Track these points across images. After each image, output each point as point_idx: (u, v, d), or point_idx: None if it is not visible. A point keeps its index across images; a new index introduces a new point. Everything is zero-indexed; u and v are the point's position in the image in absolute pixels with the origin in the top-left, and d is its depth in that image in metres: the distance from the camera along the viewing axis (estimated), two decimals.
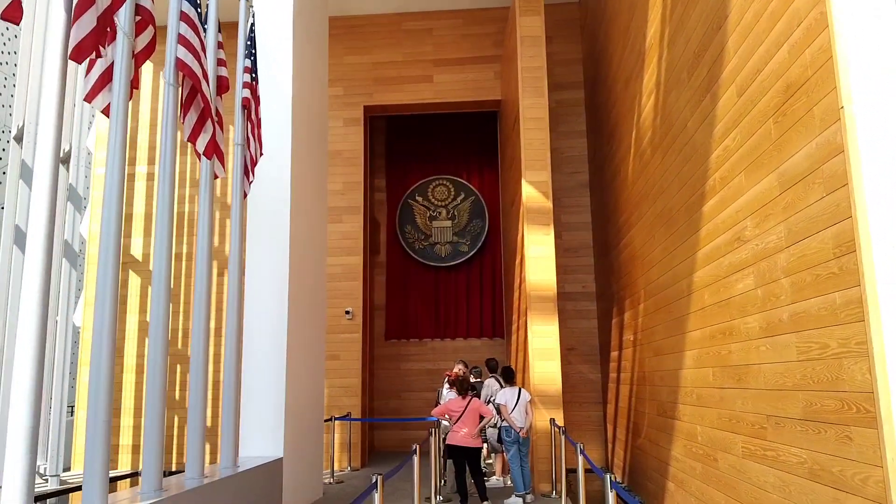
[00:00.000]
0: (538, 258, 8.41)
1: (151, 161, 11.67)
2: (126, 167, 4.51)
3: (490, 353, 12.17)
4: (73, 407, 11.00)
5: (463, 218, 13.06)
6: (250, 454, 6.77)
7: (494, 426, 7.93)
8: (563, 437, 6.63)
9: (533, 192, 8.57)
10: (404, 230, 13.08)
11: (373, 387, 12.53)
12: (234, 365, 6.08)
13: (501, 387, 8.19)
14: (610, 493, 3.16)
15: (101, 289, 3.89)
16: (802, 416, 3.41)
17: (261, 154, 6.54)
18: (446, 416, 7.38)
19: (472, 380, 8.76)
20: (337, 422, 9.72)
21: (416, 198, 13.20)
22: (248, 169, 6.41)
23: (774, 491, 3.69)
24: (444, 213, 13.09)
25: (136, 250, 11.37)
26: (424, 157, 13.35)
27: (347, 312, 10.82)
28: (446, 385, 8.88)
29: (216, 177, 5.74)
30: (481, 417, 7.21)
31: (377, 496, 3.27)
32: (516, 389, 7.46)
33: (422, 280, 13.00)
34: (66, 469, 10.70)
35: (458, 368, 9.10)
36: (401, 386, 12.67)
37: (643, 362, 7.35)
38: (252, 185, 7.14)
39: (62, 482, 9.60)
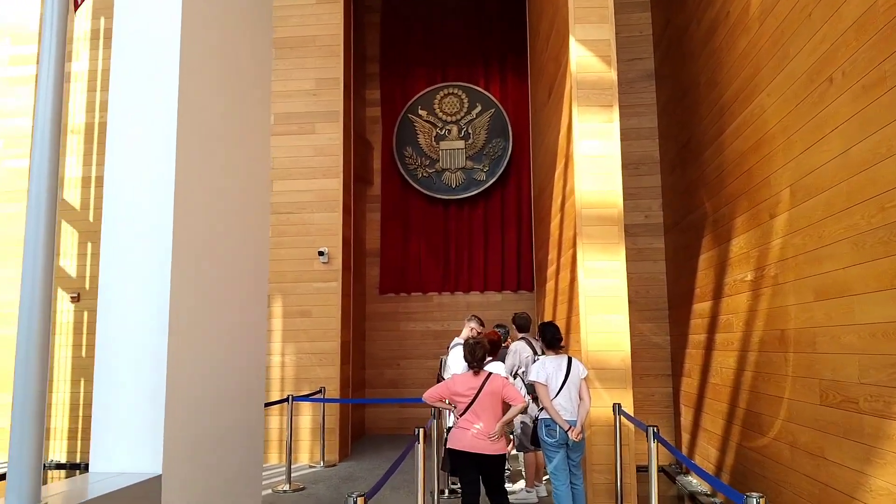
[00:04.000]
0: (596, 158, 5.42)
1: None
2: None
3: (516, 309, 9.27)
4: None
5: (479, 137, 10.03)
6: (111, 469, 3.96)
7: (525, 413, 5.08)
8: (654, 440, 3.70)
9: (587, 58, 5.54)
10: (403, 154, 10.10)
11: (363, 352, 9.72)
12: (37, 322, 3.17)
13: (536, 354, 5.29)
14: None
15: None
16: None
17: None
18: (446, 401, 4.50)
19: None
20: (297, 402, 6.92)
21: (419, 111, 10.18)
22: None
23: None
24: (456, 131, 10.08)
25: None
26: (429, 59, 10.29)
27: (321, 254, 7.94)
28: (455, 350, 5.96)
29: None
30: (506, 406, 4.34)
31: None
32: (563, 359, 4.55)
33: (426, 217, 10.06)
34: None
35: (469, 328, 6.14)
36: (399, 352, 9.87)
37: (780, 314, 4.38)
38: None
39: None
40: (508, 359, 5.42)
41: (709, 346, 6.01)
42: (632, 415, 4.98)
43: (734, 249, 5.26)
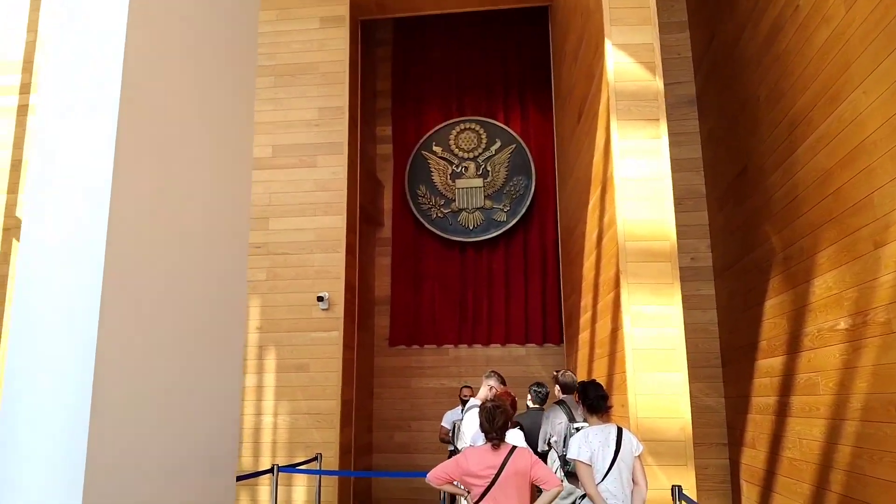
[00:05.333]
0: (641, 181, 4.51)
1: None
2: None
3: (542, 365, 8.26)
4: None
5: (499, 174, 9.20)
6: None
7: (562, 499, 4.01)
8: None
9: (626, 64, 4.69)
10: (416, 193, 9.28)
11: (370, 412, 8.68)
12: None
13: (573, 422, 4.26)
14: None
15: None
16: None
17: None
18: (456, 483, 3.47)
19: (530, 406, 4.89)
20: (284, 474, 5.89)
21: (434, 148, 9.40)
22: None
23: None
24: (473, 168, 9.26)
25: None
26: (445, 93, 9.57)
27: (321, 299, 7.03)
28: (471, 414, 4.88)
29: None
30: (537, 491, 3.31)
31: None
32: (611, 430, 3.52)
33: (441, 261, 9.15)
34: None
35: (488, 387, 5.03)
36: (411, 412, 8.81)
37: None
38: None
39: None
40: (543, 427, 4.38)
41: (781, 412, 4.92)
42: (695, 500, 3.91)
43: (818, 291, 4.25)
